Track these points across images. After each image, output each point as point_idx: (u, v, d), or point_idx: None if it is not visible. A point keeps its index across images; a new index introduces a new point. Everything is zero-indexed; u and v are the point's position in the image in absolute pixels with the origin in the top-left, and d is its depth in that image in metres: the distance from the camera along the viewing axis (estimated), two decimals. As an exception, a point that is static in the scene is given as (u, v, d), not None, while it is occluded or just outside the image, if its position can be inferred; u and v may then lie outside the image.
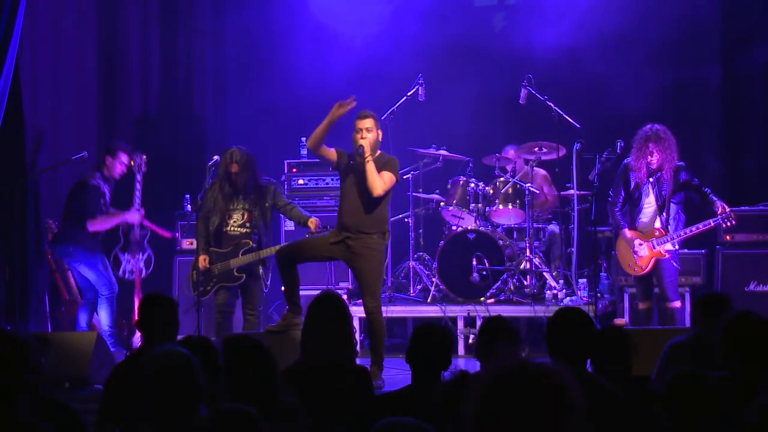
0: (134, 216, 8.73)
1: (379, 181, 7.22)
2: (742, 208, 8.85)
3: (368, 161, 7.22)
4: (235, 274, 8.00)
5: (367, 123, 7.32)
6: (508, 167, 9.92)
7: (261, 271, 8.07)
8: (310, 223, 7.88)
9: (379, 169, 7.27)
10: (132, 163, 8.68)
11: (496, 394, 2.17)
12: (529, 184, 9.39)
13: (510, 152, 10.00)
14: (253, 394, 3.92)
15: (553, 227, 9.62)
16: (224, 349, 4.06)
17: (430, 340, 4.46)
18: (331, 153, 7.39)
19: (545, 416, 2.13)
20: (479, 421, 2.14)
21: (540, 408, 2.13)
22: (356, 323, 9.00)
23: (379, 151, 7.44)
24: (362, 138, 7.29)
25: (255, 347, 4.08)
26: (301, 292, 7.56)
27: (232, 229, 8.07)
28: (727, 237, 8.99)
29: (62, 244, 8.59)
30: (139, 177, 8.74)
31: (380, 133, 7.43)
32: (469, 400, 2.20)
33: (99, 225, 8.55)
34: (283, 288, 7.72)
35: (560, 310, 4.60)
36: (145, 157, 8.78)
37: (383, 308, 7.50)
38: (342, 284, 9.42)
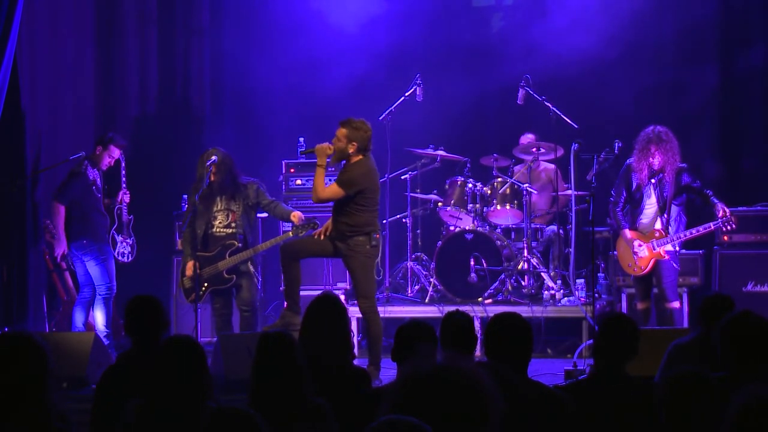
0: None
1: (318, 190, 7.39)
2: (740, 208, 8.86)
3: (318, 166, 7.38)
4: (225, 276, 8.06)
5: (339, 132, 7.37)
6: (529, 157, 9.76)
7: (251, 267, 8.12)
8: (293, 217, 7.99)
9: (338, 176, 7.41)
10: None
11: (412, 395, 2.19)
12: (527, 185, 9.39)
13: (528, 137, 9.85)
14: (280, 392, 3.92)
15: (552, 228, 9.62)
16: (258, 345, 4.07)
17: (417, 338, 4.50)
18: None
19: (460, 417, 2.15)
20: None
21: (455, 409, 2.16)
22: (353, 324, 9.01)
23: (359, 157, 7.39)
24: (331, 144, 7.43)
25: (286, 343, 4.06)
26: (300, 292, 7.57)
27: (218, 230, 8.14)
28: (725, 237, 8.98)
29: (75, 238, 8.44)
30: (123, 163, 8.74)
31: (354, 145, 7.33)
32: (384, 402, 2.21)
33: (54, 214, 8.40)
34: (283, 286, 7.74)
35: (497, 316, 4.40)
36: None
37: (380, 308, 7.51)
38: (340, 284, 9.41)
